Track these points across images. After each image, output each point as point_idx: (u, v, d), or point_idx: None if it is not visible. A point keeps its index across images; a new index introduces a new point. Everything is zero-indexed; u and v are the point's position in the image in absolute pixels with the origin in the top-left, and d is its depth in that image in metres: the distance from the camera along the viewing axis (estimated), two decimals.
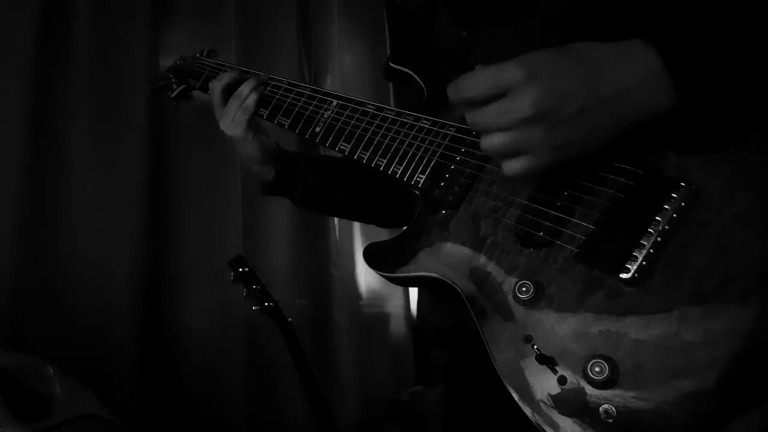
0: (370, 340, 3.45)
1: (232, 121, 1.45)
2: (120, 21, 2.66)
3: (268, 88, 1.46)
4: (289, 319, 2.38)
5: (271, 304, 2.35)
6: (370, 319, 3.50)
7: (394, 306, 3.57)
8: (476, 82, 0.88)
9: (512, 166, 0.88)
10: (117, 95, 2.62)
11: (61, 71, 2.51)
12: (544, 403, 0.85)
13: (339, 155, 1.32)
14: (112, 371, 2.44)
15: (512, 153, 0.87)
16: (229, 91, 1.48)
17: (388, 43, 3.57)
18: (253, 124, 1.46)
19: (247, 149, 1.47)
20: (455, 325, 1.12)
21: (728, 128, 0.85)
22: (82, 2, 2.58)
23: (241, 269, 2.35)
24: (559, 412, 0.84)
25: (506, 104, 0.85)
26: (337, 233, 3.31)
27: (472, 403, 1.20)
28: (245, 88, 1.45)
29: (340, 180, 1.58)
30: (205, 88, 1.60)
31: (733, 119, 0.84)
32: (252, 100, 1.44)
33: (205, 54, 1.68)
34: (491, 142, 0.88)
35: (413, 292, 3.57)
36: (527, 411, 0.86)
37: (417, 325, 3.61)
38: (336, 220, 3.31)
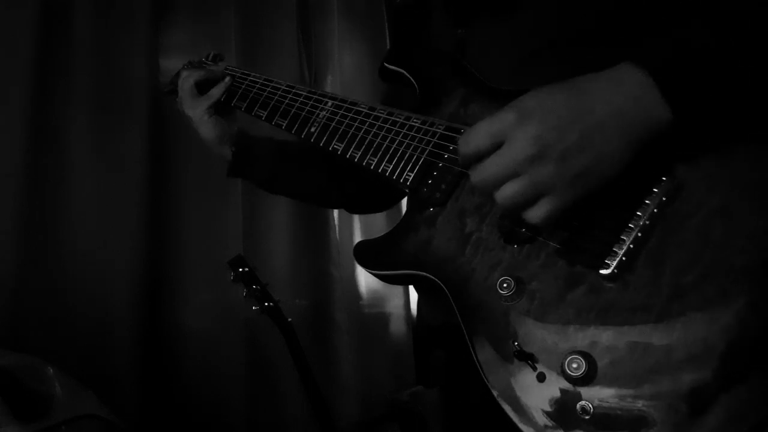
0: (370, 340, 3.45)
1: (192, 102, 1.51)
2: (120, 21, 2.66)
3: (267, 91, 1.47)
4: (289, 319, 2.38)
5: (271, 304, 2.35)
6: (370, 319, 3.50)
7: (394, 306, 3.56)
8: (472, 136, 0.88)
9: (536, 214, 0.85)
10: (117, 95, 2.62)
11: (61, 71, 2.51)
12: (523, 400, 0.85)
13: (299, 140, 1.34)
14: (112, 371, 2.44)
15: (531, 200, 0.84)
16: (200, 88, 1.52)
17: (388, 43, 3.57)
18: (212, 108, 1.51)
19: (203, 129, 1.51)
20: (448, 323, 1.12)
21: (721, 128, 0.85)
22: (82, 2, 2.58)
23: (241, 269, 2.35)
24: (537, 409, 0.83)
25: (506, 150, 0.84)
26: (337, 233, 3.31)
27: (469, 403, 1.20)
28: (216, 91, 1.52)
29: (302, 165, 1.60)
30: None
31: (729, 121, 0.84)
32: (218, 90, 1.51)
33: (210, 58, 1.70)
34: (504, 194, 0.85)
35: (413, 292, 3.56)
36: (506, 407, 0.86)
37: (417, 325, 3.60)
38: (336, 219, 3.31)
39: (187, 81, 1.53)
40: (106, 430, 1.85)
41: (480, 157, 0.87)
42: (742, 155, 0.83)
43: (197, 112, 1.50)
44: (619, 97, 0.83)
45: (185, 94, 1.53)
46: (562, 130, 0.82)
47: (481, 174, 0.87)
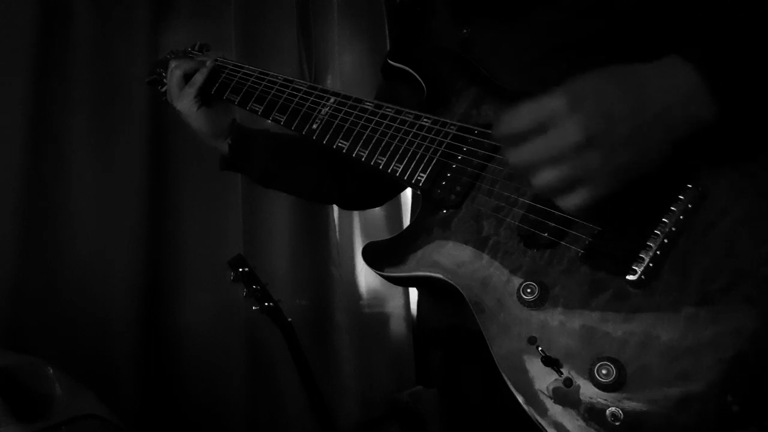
0: (370, 340, 3.45)
1: (179, 94, 1.49)
2: (120, 21, 2.64)
3: (263, 84, 1.43)
4: (289, 319, 2.38)
5: (271, 304, 2.35)
6: (370, 319, 3.50)
7: (394, 306, 3.57)
8: (518, 115, 0.84)
9: (572, 201, 0.82)
10: (117, 95, 2.61)
11: (61, 71, 2.49)
12: (550, 406, 0.85)
13: (296, 134, 1.32)
14: (112, 371, 2.43)
15: (568, 186, 0.82)
16: (187, 79, 1.50)
17: (388, 43, 3.56)
18: (199, 99, 1.49)
19: (193, 121, 1.49)
20: (452, 325, 1.12)
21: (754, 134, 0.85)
22: (82, 2, 2.56)
23: (241, 269, 2.34)
24: (565, 415, 0.83)
25: (554, 134, 0.81)
26: (337, 233, 3.31)
27: (466, 404, 1.20)
28: (189, 64, 1.51)
29: (299, 160, 1.58)
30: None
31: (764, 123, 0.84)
32: (201, 75, 1.48)
33: (197, 48, 1.64)
34: (543, 178, 0.82)
35: (413, 292, 3.57)
36: (533, 414, 0.86)
37: (417, 325, 3.60)
38: (336, 219, 3.31)
39: (174, 73, 1.51)
40: (106, 430, 1.84)
41: (522, 138, 0.84)
42: (766, 163, 0.83)
43: (184, 103, 1.49)
44: (672, 95, 0.82)
45: (172, 86, 1.51)
46: (613, 121, 0.80)
47: (521, 155, 0.84)
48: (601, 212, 0.88)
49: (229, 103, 1.50)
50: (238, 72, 1.48)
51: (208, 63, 1.50)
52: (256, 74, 1.46)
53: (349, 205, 1.85)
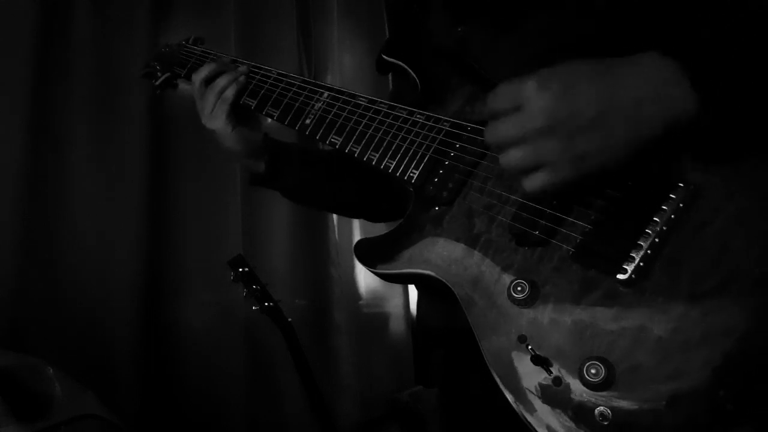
0: (370, 340, 3.45)
1: (211, 113, 1.41)
2: (120, 21, 2.65)
3: (257, 78, 1.43)
4: (289, 319, 2.38)
5: (271, 304, 2.35)
6: (370, 319, 3.50)
7: (393, 306, 3.57)
8: (496, 95, 0.88)
9: (531, 183, 0.86)
10: (117, 95, 2.62)
11: (60, 71, 2.50)
12: (539, 405, 0.84)
13: (330, 148, 1.30)
14: (112, 371, 2.43)
15: (530, 167, 0.85)
16: (209, 83, 1.44)
17: None
18: (233, 116, 1.42)
19: (228, 143, 1.43)
20: (452, 325, 1.11)
21: (743, 133, 0.84)
22: (82, 2, 2.57)
23: (241, 269, 2.34)
24: (554, 414, 0.83)
25: (519, 116, 0.85)
26: (336, 233, 3.31)
27: (466, 404, 1.19)
28: (222, 80, 1.41)
29: (331, 175, 1.54)
30: (191, 77, 1.53)
31: (753, 124, 0.83)
32: (231, 92, 1.40)
33: (191, 42, 1.63)
34: (507, 158, 0.87)
35: (413, 292, 3.56)
36: (522, 413, 0.85)
37: (417, 325, 3.60)
38: (335, 220, 3.31)
39: (208, 92, 1.42)
40: (106, 430, 1.85)
41: (497, 115, 0.88)
42: (759, 162, 0.82)
43: (218, 123, 1.41)
44: (643, 89, 0.82)
45: (206, 105, 1.42)
46: (576, 109, 0.82)
47: (492, 132, 0.89)
48: (563, 199, 0.91)
49: (254, 112, 1.43)
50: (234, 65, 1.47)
51: (241, 78, 1.42)
52: (250, 68, 1.45)
53: (379, 219, 1.74)
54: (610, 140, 0.82)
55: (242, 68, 1.44)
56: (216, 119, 1.41)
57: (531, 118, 0.83)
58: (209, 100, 1.41)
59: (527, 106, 0.84)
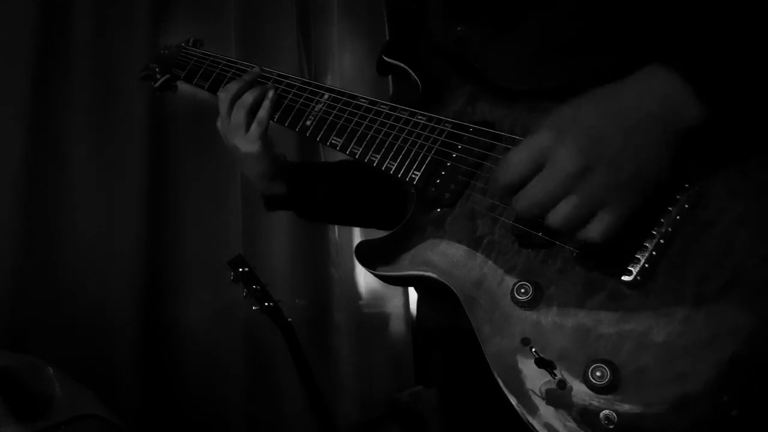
0: (370, 340, 3.45)
1: (246, 136, 1.34)
2: (120, 21, 2.64)
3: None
4: (289, 319, 2.38)
5: (271, 304, 2.35)
6: (370, 319, 3.50)
7: (393, 306, 3.57)
8: (510, 163, 0.83)
9: (596, 229, 0.80)
10: (117, 95, 2.61)
11: (60, 71, 2.49)
12: (543, 407, 0.84)
13: (344, 160, 1.28)
14: (112, 371, 2.42)
15: (587, 216, 0.80)
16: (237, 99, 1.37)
17: None
18: (266, 137, 1.36)
19: (262, 166, 1.38)
20: (452, 325, 1.11)
21: (747, 134, 0.83)
22: (82, 2, 2.56)
23: (241, 269, 2.35)
24: (558, 417, 0.82)
25: (550, 170, 0.79)
26: (336, 233, 3.32)
27: (466, 404, 1.19)
28: (251, 97, 1.34)
29: (352, 189, 1.52)
30: (190, 79, 1.52)
31: (757, 124, 0.83)
32: (265, 112, 1.34)
33: (190, 43, 1.61)
34: (558, 216, 0.80)
35: (413, 292, 3.56)
36: (525, 416, 0.85)
37: (416, 325, 3.60)
38: None
39: (240, 108, 1.34)
40: (106, 430, 1.84)
41: (524, 183, 0.82)
42: (763, 161, 0.82)
43: (255, 146, 1.34)
44: (647, 101, 0.80)
45: (236, 126, 1.35)
46: (603, 138, 0.79)
47: (527, 200, 0.82)
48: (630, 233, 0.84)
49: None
50: (233, 67, 1.46)
51: (270, 95, 1.35)
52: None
53: (387, 226, 1.70)
54: (649, 157, 0.79)
55: (269, 85, 1.38)
56: (252, 143, 1.34)
57: (563, 168, 0.78)
58: (240, 119, 1.34)
59: (552, 157, 0.79)
